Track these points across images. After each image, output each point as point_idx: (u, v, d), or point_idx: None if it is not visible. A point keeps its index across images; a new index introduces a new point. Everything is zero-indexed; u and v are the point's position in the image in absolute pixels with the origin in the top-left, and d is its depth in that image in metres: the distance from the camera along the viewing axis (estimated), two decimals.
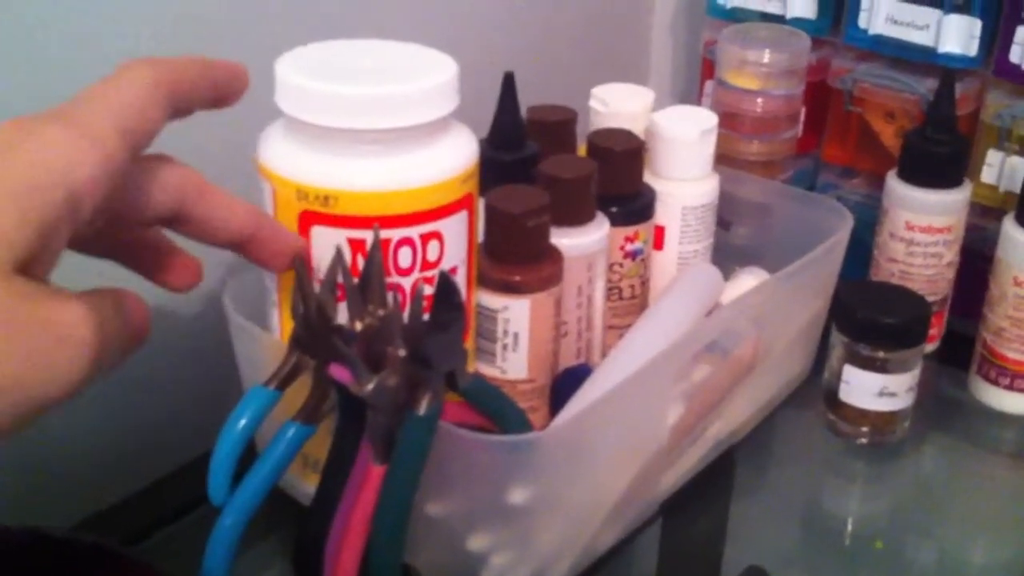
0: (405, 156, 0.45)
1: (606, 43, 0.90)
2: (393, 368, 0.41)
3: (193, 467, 0.59)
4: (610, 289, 0.61)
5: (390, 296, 0.43)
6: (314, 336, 0.44)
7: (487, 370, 0.54)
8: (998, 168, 0.71)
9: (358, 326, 0.43)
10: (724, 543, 0.59)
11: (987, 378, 0.68)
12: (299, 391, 0.45)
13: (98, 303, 0.34)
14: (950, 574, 0.59)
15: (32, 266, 0.32)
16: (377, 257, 0.43)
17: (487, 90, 0.59)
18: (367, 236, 0.45)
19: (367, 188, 0.45)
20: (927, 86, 0.73)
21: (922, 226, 0.69)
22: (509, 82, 0.60)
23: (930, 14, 0.72)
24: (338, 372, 0.41)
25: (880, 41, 0.74)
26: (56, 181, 0.32)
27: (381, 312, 0.43)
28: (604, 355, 0.60)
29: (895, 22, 0.73)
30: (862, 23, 0.74)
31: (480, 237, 0.52)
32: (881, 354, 0.62)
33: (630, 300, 0.62)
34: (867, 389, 0.63)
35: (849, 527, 0.62)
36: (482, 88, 0.55)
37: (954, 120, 0.68)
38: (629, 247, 0.61)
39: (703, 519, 0.60)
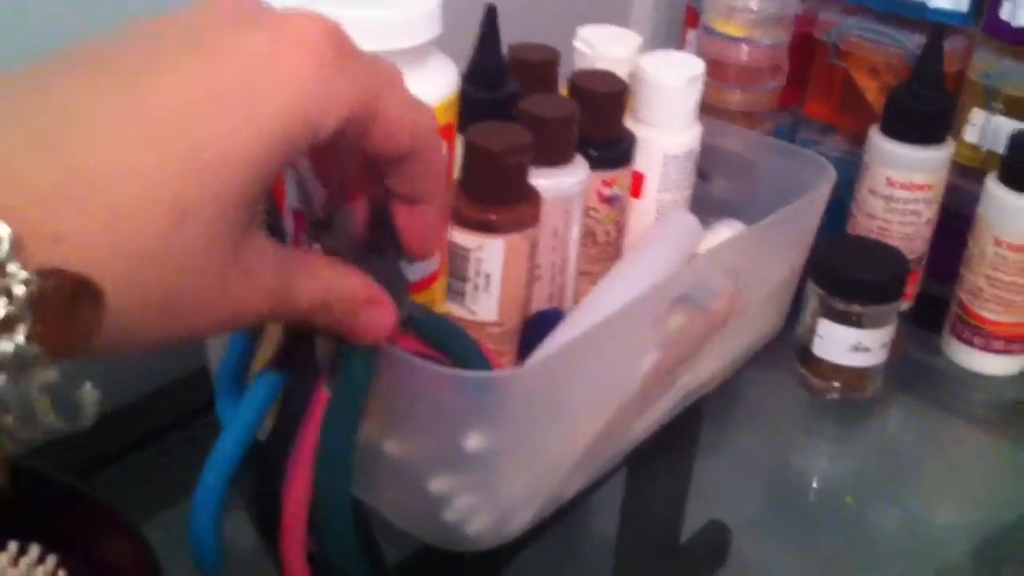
0: None
1: None
2: None
3: (140, 404, 0.58)
4: (584, 234, 0.59)
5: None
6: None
7: (456, 310, 0.53)
8: (981, 127, 0.71)
9: None
10: (687, 497, 0.59)
11: (961, 338, 0.68)
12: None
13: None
14: (914, 535, 0.59)
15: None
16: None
17: (466, 25, 0.58)
18: None
19: None
20: (915, 42, 0.71)
21: (903, 182, 0.68)
22: (491, 16, 0.58)
23: None
24: None
25: None
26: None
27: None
28: (576, 301, 0.59)
29: None
30: None
31: (456, 173, 0.51)
32: (857, 308, 0.62)
33: (604, 246, 0.61)
34: (841, 344, 0.62)
35: (814, 485, 0.62)
36: (460, 23, 0.54)
37: (941, 76, 0.67)
38: (606, 192, 0.59)
39: (668, 472, 0.60)
